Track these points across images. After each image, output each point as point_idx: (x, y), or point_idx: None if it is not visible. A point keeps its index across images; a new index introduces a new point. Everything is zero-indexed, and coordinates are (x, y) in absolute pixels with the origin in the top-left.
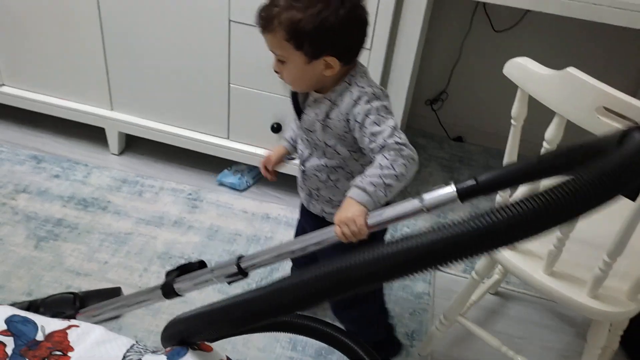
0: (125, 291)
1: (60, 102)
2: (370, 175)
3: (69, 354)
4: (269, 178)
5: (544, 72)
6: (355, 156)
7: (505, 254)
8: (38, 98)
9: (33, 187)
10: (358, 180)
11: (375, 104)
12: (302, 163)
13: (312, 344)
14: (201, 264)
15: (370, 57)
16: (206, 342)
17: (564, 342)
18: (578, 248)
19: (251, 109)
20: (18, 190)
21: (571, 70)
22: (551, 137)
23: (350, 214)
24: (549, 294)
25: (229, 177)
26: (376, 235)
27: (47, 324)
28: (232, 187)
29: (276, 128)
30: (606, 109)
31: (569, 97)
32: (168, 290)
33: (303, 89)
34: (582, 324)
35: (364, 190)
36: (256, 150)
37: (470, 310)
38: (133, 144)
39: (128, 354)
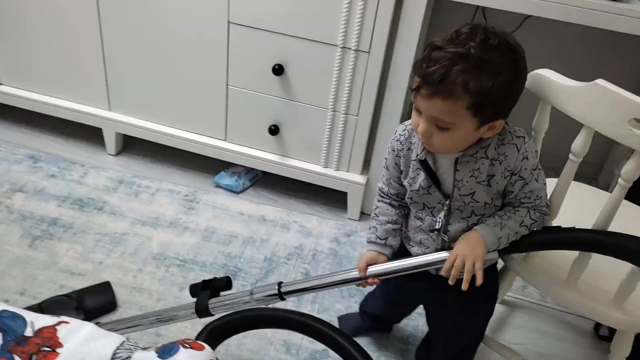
0: (119, 291)
1: (58, 101)
2: (509, 227)
3: (58, 350)
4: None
5: (569, 83)
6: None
7: (526, 266)
8: (36, 97)
9: (29, 187)
10: (494, 222)
11: (535, 155)
12: (444, 231)
13: (306, 347)
14: (228, 281)
15: (369, 60)
16: (199, 342)
17: (562, 350)
18: (599, 258)
19: (249, 110)
20: (14, 189)
21: (601, 82)
22: (579, 149)
23: (476, 252)
24: (572, 305)
25: (225, 178)
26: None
27: (37, 320)
28: (229, 189)
29: (274, 130)
30: (638, 120)
31: (598, 109)
32: (203, 310)
33: (450, 152)
34: (579, 329)
35: (498, 238)
36: (254, 152)
37: None
38: (130, 145)
39: (118, 351)
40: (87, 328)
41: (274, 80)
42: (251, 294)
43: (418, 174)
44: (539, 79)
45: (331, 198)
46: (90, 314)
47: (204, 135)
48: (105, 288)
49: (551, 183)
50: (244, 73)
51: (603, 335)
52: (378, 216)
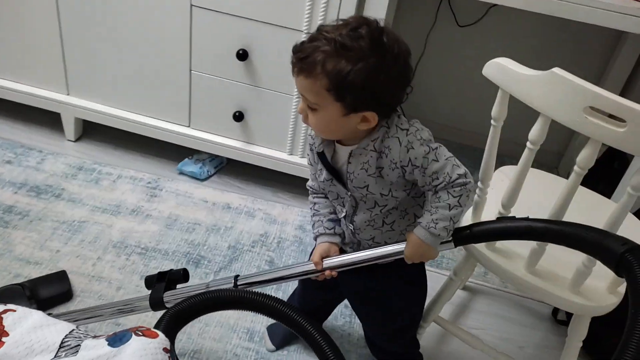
0: (76, 280)
1: (14, 85)
2: (442, 219)
3: (4, 339)
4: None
5: (527, 72)
6: (412, 194)
7: (486, 254)
8: None
9: None
10: (426, 221)
11: (426, 139)
12: (350, 221)
13: None
14: (185, 274)
15: None
16: (152, 329)
17: (522, 334)
18: (556, 246)
19: (213, 96)
20: None
21: (557, 70)
22: (536, 137)
23: (427, 256)
24: (530, 291)
25: (189, 166)
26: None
27: None
28: (193, 176)
29: (238, 116)
30: (593, 108)
31: (554, 97)
32: (157, 303)
33: (331, 138)
34: (538, 314)
35: (437, 236)
36: (218, 139)
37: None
38: (91, 131)
39: (66, 339)
40: (35, 316)
41: (239, 65)
42: (207, 287)
43: (322, 167)
44: (497, 68)
45: (297, 185)
46: (43, 304)
47: (167, 121)
48: (60, 277)
49: (511, 171)
50: (207, 58)
51: (561, 319)
52: (319, 211)
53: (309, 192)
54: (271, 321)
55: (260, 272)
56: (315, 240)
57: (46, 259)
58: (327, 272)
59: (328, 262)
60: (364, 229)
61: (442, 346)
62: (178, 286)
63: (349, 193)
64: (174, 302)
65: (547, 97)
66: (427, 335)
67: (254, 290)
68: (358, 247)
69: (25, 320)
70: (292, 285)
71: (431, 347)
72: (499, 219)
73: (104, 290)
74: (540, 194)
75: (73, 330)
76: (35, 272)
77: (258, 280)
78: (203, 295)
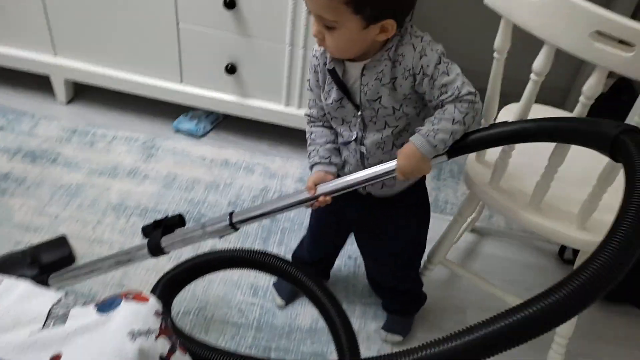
0: (78, 244)
1: None
2: (442, 130)
3: None
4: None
5: None
6: (421, 114)
7: (490, 193)
8: None
9: None
10: (427, 129)
11: (440, 51)
12: (360, 143)
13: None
14: (180, 219)
15: None
16: (144, 293)
17: (528, 276)
18: (560, 182)
19: (203, 49)
20: None
21: None
22: (540, 67)
23: (420, 167)
24: (536, 230)
25: (185, 123)
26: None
27: None
28: (189, 134)
29: (231, 69)
30: (600, 34)
31: (560, 23)
32: (155, 249)
33: (348, 57)
34: (544, 254)
35: (434, 146)
36: (212, 94)
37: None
38: (82, 92)
39: (54, 308)
40: (22, 286)
41: (227, 14)
42: (203, 227)
43: (332, 87)
44: None
45: (295, 137)
46: (46, 269)
47: (158, 78)
48: (61, 242)
49: (517, 108)
50: (193, 8)
51: (568, 258)
52: (315, 140)
53: (307, 120)
54: (273, 277)
55: (255, 206)
56: (311, 170)
57: (46, 225)
58: (321, 199)
59: (322, 188)
60: (374, 153)
61: (448, 289)
62: (177, 231)
63: (359, 112)
64: (172, 246)
65: (552, 24)
66: (434, 278)
67: (251, 249)
68: None
69: (11, 292)
70: (296, 239)
71: (438, 289)
72: (491, 125)
73: (105, 253)
74: None
75: (61, 298)
76: (36, 238)
77: (253, 215)
78: (199, 258)
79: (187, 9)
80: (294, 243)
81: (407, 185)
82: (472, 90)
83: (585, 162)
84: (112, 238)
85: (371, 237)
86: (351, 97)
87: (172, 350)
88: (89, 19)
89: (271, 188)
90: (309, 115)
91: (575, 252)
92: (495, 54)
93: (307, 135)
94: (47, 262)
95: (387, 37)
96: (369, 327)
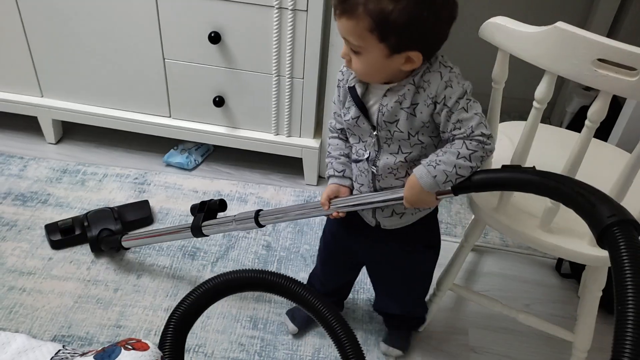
0: (72, 285)
1: None
2: (445, 162)
3: None
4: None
5: (528, 30)
6: (435, 142)
7: (497, 217)
8: None
9: None
10: (430, 159)
11: (466, 86)
12: (373, 164)
13: (273, 321)
14: (222, 203)
15: (308, 18)
16: (143, 341)
17: (526, 291)
18: None
19: (191, 83)
20: None
21: (560, 24)
22: (542, 95)
23: (422, 199)
24: (550, 251)
25: (175, 156)
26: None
27: None
28: (180, 167)
29: (219, 101)
30: (601, 60)
31: (560, 53)
32: (197, 231)
33: (372, 81)
34: (541, 270)
35: (434, 177)
36: (201, 126)
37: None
38: (71, 131)
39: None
40: (19, 340)
41: (212, 49)
42: (234, 219)
43: (352, 104)
44: (494, 28)
45: (287, 165)
46: (128, 226)
47: (146, 113)
48: (143, 204)
49: (516, 126)
50: (179, 44)
51: (565, 273)
52: (331, 152)
53: (329, 130)
54: (272, 308)
55: (279, 209)
56: (328, 181)
57: (39, 268)
58: (334, 214)
59: (335, 204)
60: (385, 176)
61: (457, 312)
62: (219, 215)
63: (375, 133)
64: (209, 229)
65: (552, 54)
66: (454, 307)
67: (267, 270)
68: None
69: (9, 346)
70: (293, 267)
71: (447, 312)
72: (503, 167)
73: (101, 293)
74: (546, 148)
75: (59, 350)
76: (30, 283)
77: (277, 216)
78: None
79: (173, 45)
80: (290, 271)
81: (417, 217)
82: (487, 132)
83: (592, 179)
84: (107, 278)
85: (383, 271)
86: (369, 116)
87: None
88: (74, 58)
89: None
90: (330, 126)
91: (573, 265)
92: (493, 84)
93: (327, 147)
94: (130, 219)
95: (412, 67)
96: (371, 355)
